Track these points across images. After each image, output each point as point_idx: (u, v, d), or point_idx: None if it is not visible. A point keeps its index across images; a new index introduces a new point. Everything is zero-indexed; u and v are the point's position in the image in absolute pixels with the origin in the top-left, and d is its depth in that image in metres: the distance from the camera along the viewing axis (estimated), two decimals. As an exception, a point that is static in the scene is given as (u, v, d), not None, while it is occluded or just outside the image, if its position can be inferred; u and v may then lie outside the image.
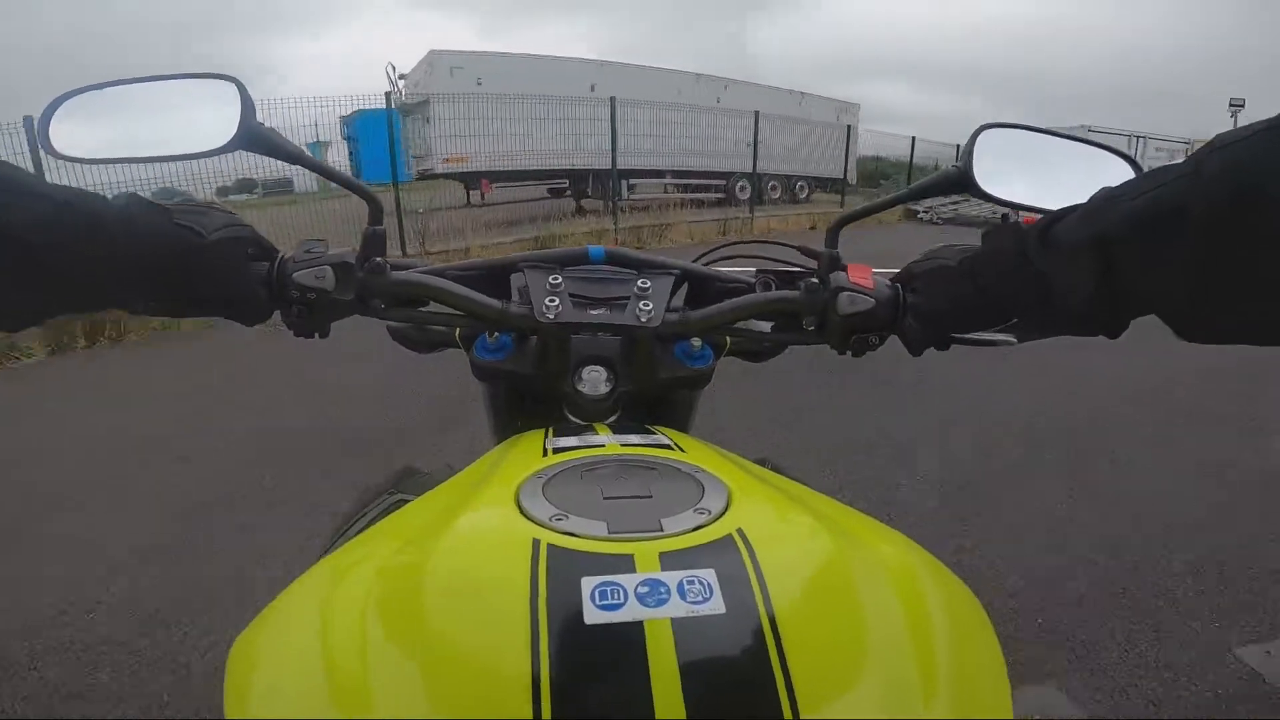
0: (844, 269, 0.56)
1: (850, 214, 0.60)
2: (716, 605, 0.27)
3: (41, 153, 0.60)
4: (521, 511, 0.33)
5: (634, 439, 0.47)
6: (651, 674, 0.25)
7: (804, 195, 15.51)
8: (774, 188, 14.71)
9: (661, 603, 0.27)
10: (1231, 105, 15.84)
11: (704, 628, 0.26)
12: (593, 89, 11.70)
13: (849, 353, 0.57)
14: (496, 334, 0.59)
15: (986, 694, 0.31)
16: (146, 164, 0.55)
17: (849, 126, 14.67)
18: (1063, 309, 0.45)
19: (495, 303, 0.55)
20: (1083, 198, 0.45)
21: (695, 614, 0.27)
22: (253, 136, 0.51)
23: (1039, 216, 0.48)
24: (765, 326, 0.61)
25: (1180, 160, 0.38)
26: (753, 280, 0.64)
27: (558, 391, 0.58)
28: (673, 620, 0.26)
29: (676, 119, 12.57)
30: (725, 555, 0.30)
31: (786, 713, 0.25)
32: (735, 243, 0.73)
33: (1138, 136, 15.57)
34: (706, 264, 0.68)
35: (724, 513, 0.34)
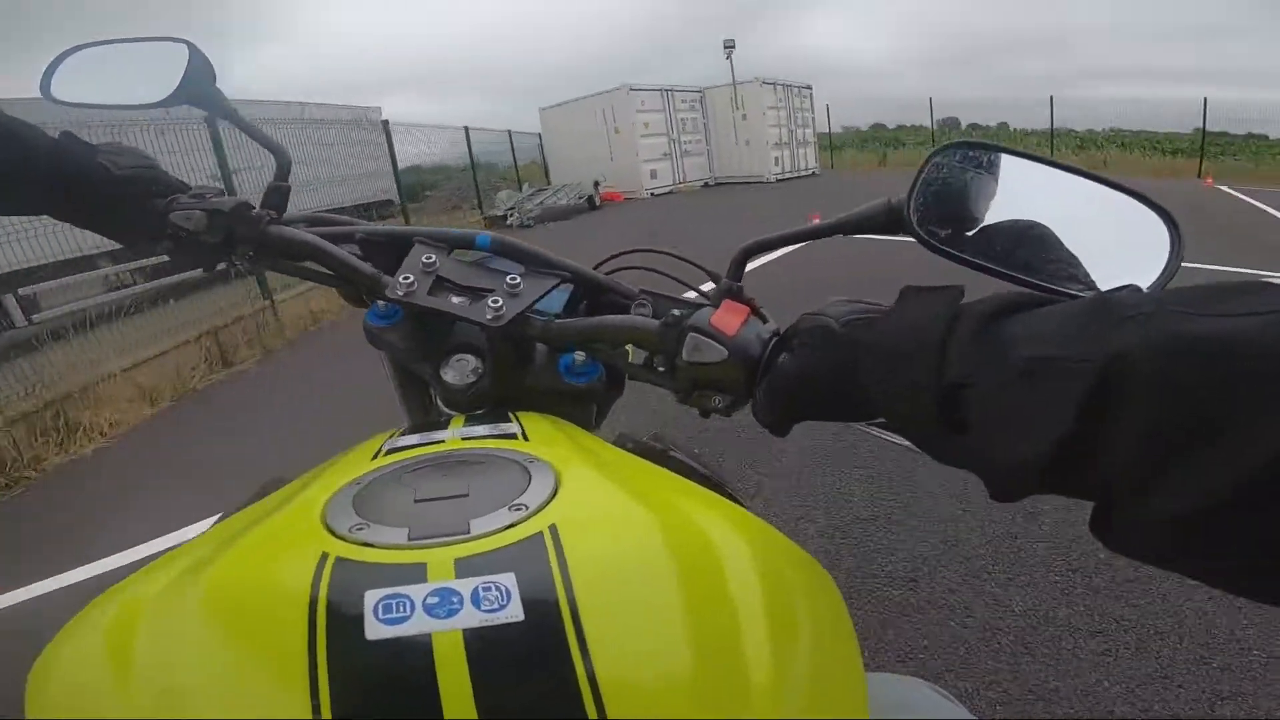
0: (718, 305, 0.48)
1: (762, 241, 0.52)
2: (514, 612, 0.25)
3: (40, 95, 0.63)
4: (325, 524, 0.32)
5: (480, 429, 0.44)
6: (441, 692, 0.23)
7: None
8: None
9: (452, 613, 0.25)
10: (725, 47, 17.31)
11: (499, 638, 0.25)
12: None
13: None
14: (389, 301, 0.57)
15: (834, 690, 0.30)
16: (113, 111, 0.67)
17: (385, 123, 11.07)
18: (969, 443, 0.30)
19: (369, 269, 0.56)
20: (1087, 265, 0.38)
21: (488, 623, 0.25)
22: (193, 94, 0.62)
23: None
24: (641, 356, 0.54)
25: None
26: (636, 299, 0.57)
27: (425, 374, 0.58)
28: (464, 631, 0.25)
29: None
30: (529, 556, 0.28)
31: None
32: (639, 249, 0.66)
33: (666, 90, 15.37)
34: (611, 271, 0.62)
35: (543, 507, 0.32)
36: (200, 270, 0.60)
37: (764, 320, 0.48)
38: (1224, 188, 11.99)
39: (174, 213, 0.56)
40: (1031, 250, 0.43)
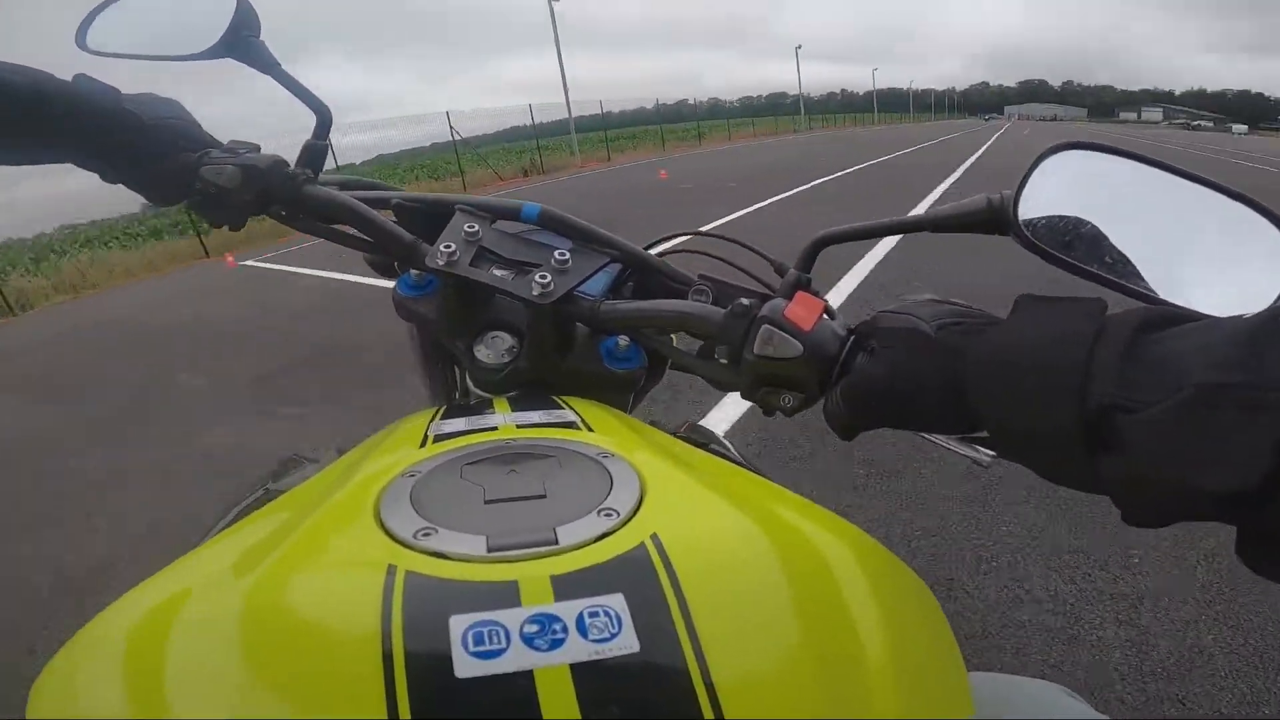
0: (790, 297, 0.44)
1: (836, 232, 0.49)
2: (628, 642, 0.22)
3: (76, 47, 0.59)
4: (381, 525, 0.28)
5: (534, 416, 0.41)
6: None
7: None
8: None
9: (556, 644, 0.22)
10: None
11: (613, 673, 0.22)
12: None
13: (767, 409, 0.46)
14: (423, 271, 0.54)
15: (945, 693, 0.28)
16: (153, 62, 0.60)
17: None
18: (1118, 468, 0.28)
19: (408, 236, 0.54)
20: (1206, 286, 0.37)
21: (601, 656, 0.22)
22: (236, 47, 0.57)
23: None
24: (694, 346, 0.52)
25: None
26: (693, 284, 0.55)
27: (457, 351, 0.55)
28: (572, 667, 0.21)
29: None
30: (636, 573, 0.25)
31: None
32: (693, 233, 0.65)
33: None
34: (662, 253, 0.61)
35: (635, 512, 0.29)
36: (228, 227, 0.57)
37: (832, 316, 0.45)
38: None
39: (206, 167, 0.54)
40: (1144, 260, 0.40)
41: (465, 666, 0.21)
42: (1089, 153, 0.42)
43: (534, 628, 0.22)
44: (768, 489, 0.37)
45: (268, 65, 0.59)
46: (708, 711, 0.21)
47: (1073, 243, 0.41)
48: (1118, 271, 0.40)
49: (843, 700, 0.23)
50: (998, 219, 0.42)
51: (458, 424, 0.39)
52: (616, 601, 0.23)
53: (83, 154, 0.53)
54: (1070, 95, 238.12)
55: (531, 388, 0.53)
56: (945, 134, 35.66)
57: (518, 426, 0.39)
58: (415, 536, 0.27)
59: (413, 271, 0.55)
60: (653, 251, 0.59)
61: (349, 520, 0.29)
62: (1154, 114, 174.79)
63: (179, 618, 0.25)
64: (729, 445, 0.68)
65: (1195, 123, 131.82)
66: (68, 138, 0.52)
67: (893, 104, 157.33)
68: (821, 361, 0.42)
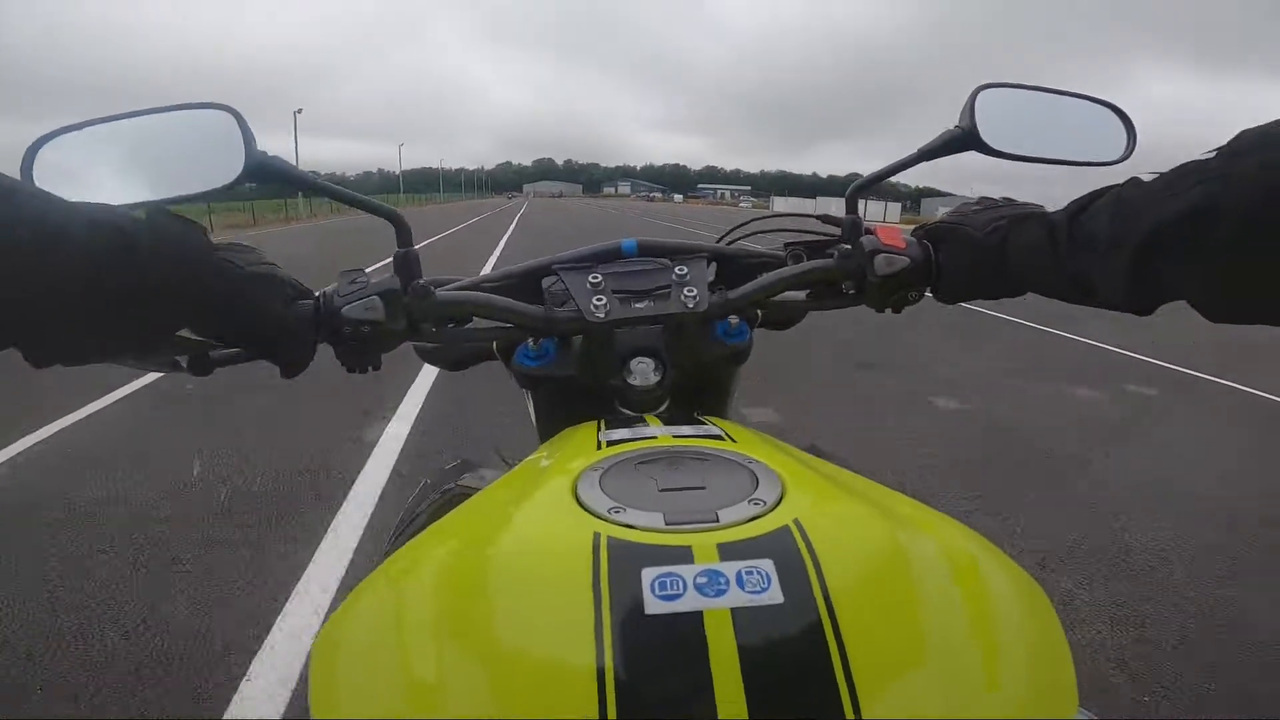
0: (872, 232, 0.60)
1: (868, 179, 0.65)
2: (775, 595, 0.27)
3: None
4: (580, 504, 0.35)
5: (685, 430, 0.47)
6: (712, 663, 0.25)
7: None
8: None
9: (720, 593, 0.27)
10: None
11: (762, 617, 0.27)
12: None
13: (888, 310, 0.61)
14: (538, 340, 0.60)
15: (1051, 687, 0.31)
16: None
17: None
18: (1097, 295, 0.48)
19: (539, 310, 0.57)
20: (1082, 150, 0.60)
21: (754, 604, 0.27)
22: (260, 168, 0.48)
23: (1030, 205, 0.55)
24: (800, 296, 0.66)
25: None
26: (783, 254, 0.67)
27: (608, 387, 0.60)
28: (732, 610, 0.27)
29: None
30: (783, 546, 0.30)
31: (846, 702, 0.25)
32: (754, 219, 0.78)
33: None
34: (730, 243, 0.72)
35: (779, 503, 0.34)
36: (371, 367, 0.53)
37: None
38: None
39: (348, 307, 0.49)
40: (1060, 142, 0.61)
41: (653, 606, 0.27)
42: (1001, 89, 0.60)
43: (704, 579, 0.28)
44: (888, 493, 0.42)
45: (306, 184, 0.53)
46: (835, 654, 0.26)
47: (1019, 145, 0.59)
48: (1053, 152, 0.61)
49: (953, 675, 0.28)
50: (967, 141, 0.58)
51: (623, 433, 0.47)
52: (767, 565, 0.29)
53: (178, 320, 0.41)
54: (570, 173, 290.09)
55: (674, 399, 0.62)
56: (472, 215, 33.88)
57: (674, 437, 0.46)
58: (609, 513, 0.33)
59: (529, 343, 0.60)
60: (725, 243, 0.72)
61: (555, 503, 0.36)
62: (625, 188, 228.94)
63: (436, 587, 0.32)
64: (843, 462, 0.76)
65: (652, 195, 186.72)
66: (156, 299, 0.38)
67: (421, 184, 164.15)
68: (924, 263, 0.58)
